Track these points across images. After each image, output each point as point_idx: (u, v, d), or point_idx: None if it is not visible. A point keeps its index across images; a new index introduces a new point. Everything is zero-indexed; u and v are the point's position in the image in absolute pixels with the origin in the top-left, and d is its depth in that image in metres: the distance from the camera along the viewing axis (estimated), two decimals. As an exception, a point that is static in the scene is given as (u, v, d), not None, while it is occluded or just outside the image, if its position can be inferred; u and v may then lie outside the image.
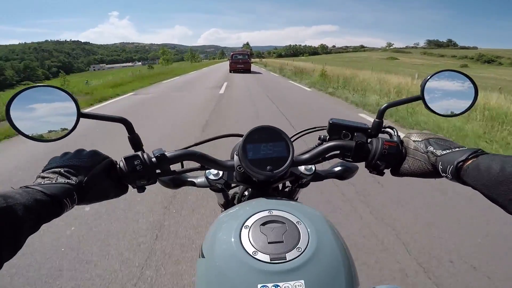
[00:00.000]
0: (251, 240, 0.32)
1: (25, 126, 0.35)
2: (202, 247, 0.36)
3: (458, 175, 0.33)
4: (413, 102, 0.44)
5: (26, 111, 0.36)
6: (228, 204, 0.57)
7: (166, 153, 0.42)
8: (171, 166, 0.43)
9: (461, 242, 1.31)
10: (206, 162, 0.44)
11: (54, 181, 0.31)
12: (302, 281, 0.28)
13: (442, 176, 0.36)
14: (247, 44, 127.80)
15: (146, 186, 0.41)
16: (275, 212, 0.35)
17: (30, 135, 0.36)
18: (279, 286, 0.28)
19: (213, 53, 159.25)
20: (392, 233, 1.38)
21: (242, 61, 15.60)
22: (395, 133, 0.45)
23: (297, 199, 0.57)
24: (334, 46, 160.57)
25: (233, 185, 0.54)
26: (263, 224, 0.34)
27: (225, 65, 23.58)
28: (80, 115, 0.37)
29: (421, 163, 0.39)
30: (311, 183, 0.53)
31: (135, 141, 0.42)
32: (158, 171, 0.42)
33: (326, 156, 0.46)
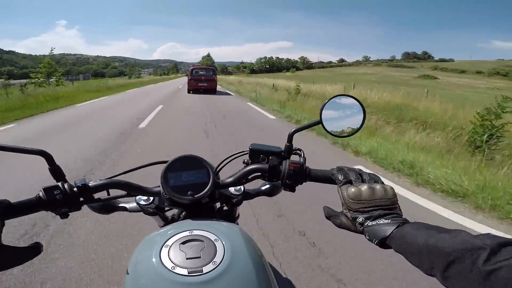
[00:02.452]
0: (170, 257, 0.40)
1: None
2: (128, 266, 0.44)
3: (382, 246, 0.42)
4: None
5: None
6: (152, 232, 0.67)
7: (89, 183, 0.50)
8: (97, 193, 0.52)
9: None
10: (133, 189, 0.55)
11: None
12: None
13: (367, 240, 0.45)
14: (208, 55, 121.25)
15: (69, 213, 0.49)
16: (195, 232, 0.45)
17: None
18: None
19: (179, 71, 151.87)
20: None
21: (205, 78, 13.88)
22: (302, 154, 0.59)
23: (238, 216, 0.71)
24: (320, 61, 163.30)
25: (166, 208, 0.62)
26: (183, 243, 0.43)
27: (172, 84, 22.71)
28: None
29: (350, 226, 0.47)
30: (246, 201, 0.66)
31: (56, 172, 0.50)
32: (81, 199, 0.50)
33: (249, 177, 0.58)
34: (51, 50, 17.59)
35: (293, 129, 0.58)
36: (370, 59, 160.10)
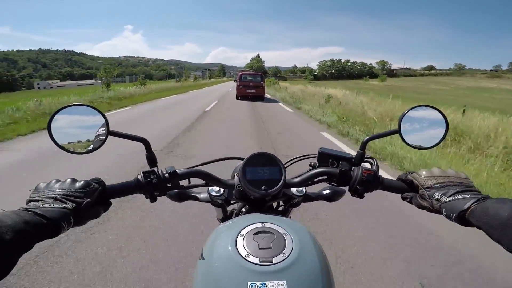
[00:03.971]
0: (245, 246, 0.46)
1: (62, 139, 0.54)
2: (203, 251, 0.51)
3: (460, 221, 0.45)
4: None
5: (65, 127, 0.54)
6: (226, 218, 0.77)
7: (177, 170, 0.60)
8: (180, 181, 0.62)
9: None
10: (211, 180, 0.64)
11: (51, 205, 0.42)
12: (285, 281, 0.41)
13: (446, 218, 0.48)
14: (258, 56, 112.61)
15: (157, 197, 0.58)
16: (266, 225, 0.51)
17: (64, 147, 0.54)
18: (265, 284, 0.41)
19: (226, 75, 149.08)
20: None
21: (253, 84, 14.61)
22: (375, 163, 0.63)
23: (290, 217, 0.74)
24: (406, 68, 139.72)
25: (232, 201, 0.74)
26: (256, 233, 0.49)
27: (218, 89, 24.13)
28: (109, 133, 0.55)
29: (427, 205, 0.52)
30: (302, 203, 0.74)
31: (152, 158, 0.60)
32: (169, 185, 0.59)
33: (315, 180, 0.65)
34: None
35: (367, 137, 0.64)
36: (465, 67, 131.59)
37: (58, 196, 0.44)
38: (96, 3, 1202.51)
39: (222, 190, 0.72)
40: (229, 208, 0.79)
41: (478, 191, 0.49)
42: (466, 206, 0.44)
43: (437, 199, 0.50)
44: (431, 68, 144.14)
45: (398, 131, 0.61)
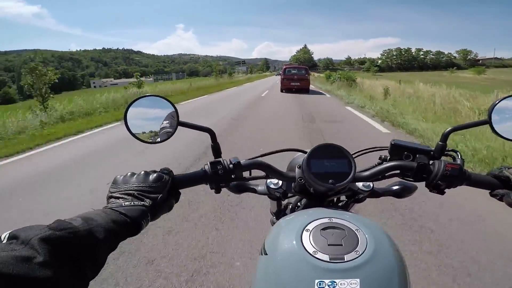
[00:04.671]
0: (311, 242, 0.44)
1: (136, 129, 0.59)
2: (265, 246, 0.49)
3: None
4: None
5: (138, 117, 0.59)
6: (280, 212, 0.78)
7: (240, 161, 0.60)
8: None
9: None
10: (271, 172, 0.63)
11: (132, 203, 0.44)
12: (358, 280, 0.38)
13: None
14: (305, 47, 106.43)
15: (221, 188, 0.60)
16: (335, 220, 0.48)
17: (139, 137, 0.59)
18: (335, 282, 0.38)
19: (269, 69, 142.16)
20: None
21: (297, 77, 15.22)
22: (459, 156, 0.60)
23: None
24: (496, 58, 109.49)
25: (289, 195, 0.73)
26: (324, 229, 0.46)
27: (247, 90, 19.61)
28: (179, 123, 0.59)
29: None
30: (367, 199, 0.70)
31: (217, 149, 0.62)
32: (232, 176, 0.60)
33: (386, 174, 0.62)
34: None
35: (449, 128, 0.61)
36: None
37: (135, 193, 0.47)
38: (152, 3, 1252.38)
39: (280, 183, 0.70)
40: (285, 202, 0.79)
41: None
42: None
43: None
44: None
45: (488, 122, 0.58)
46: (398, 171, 0.61)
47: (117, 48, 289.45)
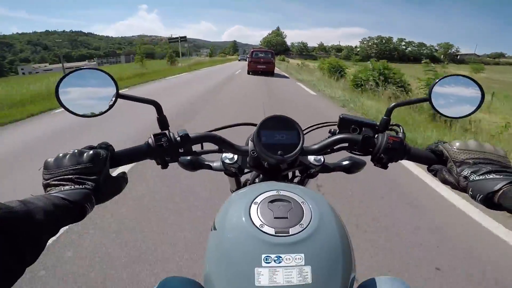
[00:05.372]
0: (259, 215, 0.46)
1: (70, 103, 0.56)
2: (215, 221, 0.51)
3: (487, 203, 0.45)
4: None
5: (72, 90, 0.56)
6: (239, 189, 0.77)
7: (189, 134, 0.59)
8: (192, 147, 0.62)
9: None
10: (224, 145, 0.64)
11: (72, 187, 0.43)
12: (302, 255, 0.41)
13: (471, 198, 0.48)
14: (278, 29, 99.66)
15: (168, 164, 0.59)
16: (282, 192, 0.50)
17: (73, 110, 0.55)
18: (281, 257, 0.40)
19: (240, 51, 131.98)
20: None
21: (264, 60, 16.36)
22: (401, 130, 0.64)
23: None
24: (474, 54, 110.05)
25: (246, 170, 0.75)
26: (271, 201, 0.48)
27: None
28: (118, 96, 0.56)
29: (453, 181, 0.52)
30: (319, 174, 0.74)
31: (163, 121, 0.61)
32: (181, 150, 0.59)
33: (334, 147, 0.66)
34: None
35: (393, 104, 0.63)
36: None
37: (73, 177, 0.45)
38: None
39: (236, 157, 0.71)
40: (243, 178, 0.81)
41: None
42: (496, 188, 0.43)
43: (465, 177, 0.48)
44: (499, 55, 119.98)
45: (428, 99, 0.61)
46: (345, 144, 0.65)
47: (64, 30, 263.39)
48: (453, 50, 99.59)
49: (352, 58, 72.19)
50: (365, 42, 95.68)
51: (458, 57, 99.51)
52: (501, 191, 0.43)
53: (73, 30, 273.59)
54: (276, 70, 17.38)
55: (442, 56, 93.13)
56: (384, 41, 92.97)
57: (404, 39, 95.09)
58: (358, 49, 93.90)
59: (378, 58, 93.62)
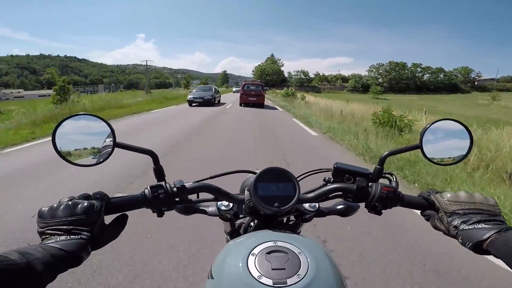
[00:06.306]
0: (256, 266, 0.48)
1: (67, 150, 0.57)
2: (212, 270, 0.53)
3: (476, 250, 0.49)
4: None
5: (70, 137, 0.57)
6: (234, 232, 0.83)
7: (185, 184, 0.63)
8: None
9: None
10: (220, 194, 0.67)
11: (68, 237, 0.46)
12: None
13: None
14: (272, 56, 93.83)
15: (164, 212, 0.61)
16: (279, 243, 0.53)
17: (70, 159, 0.57)
18: None
19: (229, 83, 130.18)
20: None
21: (254, 93, 18.41)
22: (394, 179, 0.67)
23: (299, 232, 0.79)
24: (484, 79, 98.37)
25: (241, 216, 0.79)
26: (268, 253, 0.50)
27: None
28: (115, 145, 0.59)
29: (443, 229, 0.56)
30: (314, 218, 0.78)
31: (159, 172, 0.64)
32: (177, 199, 0.63)
33: (329, 196, 0.69)
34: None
35: (386, 153, 0.67)
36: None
37: (69, 228, 0.47)
38: (112, 11, 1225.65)
39: (231, 204, 0.75)
40: (238, 221, 0.83)
41: (502, 221, 0.51)
42: (485, 237, 0.47)
43: (455, 226, 0.53)
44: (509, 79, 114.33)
45: (419, 146, 0.64)
46: (340, 193, 0.68)
47: (58, 55, 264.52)
48: (472, 76, 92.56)
49: (372, 89, 65.03)
50: (373, 70, 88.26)
51: (476, 83, 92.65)
52: (489, 240, 0.47)
53: (67, 56, 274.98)
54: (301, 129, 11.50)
55: (462, 84, 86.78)
56: (396, 68, 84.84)
57: (421, 64, 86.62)
58: (367, 79, 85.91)
59: (392, 89, 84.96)
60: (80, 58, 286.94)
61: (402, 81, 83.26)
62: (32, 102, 16.86)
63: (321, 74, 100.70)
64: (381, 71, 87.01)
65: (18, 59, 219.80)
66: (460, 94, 76.65)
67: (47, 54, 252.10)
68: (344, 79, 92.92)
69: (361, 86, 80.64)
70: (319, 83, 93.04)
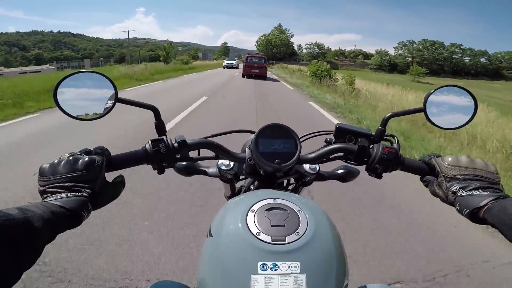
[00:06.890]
0: (256, 223, 0.48)
1: (69, 106, 0.58)
2: (211, 228, 0.54)
3: (472, 218, 0.49)
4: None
5: (71, 93, 0.59)
6: (234, 195, 0.84)
7: (187, 140, 0.62)
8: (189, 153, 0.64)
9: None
10: (221, 152, 0.67)
11: (69, 194, 0.46)
12: (298, 263, 0.43)
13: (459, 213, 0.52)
14: (279, 26, 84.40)
15: (165, 169, 0.61)
16: (279, 201, 0.53)
17: (72, 114, 0.58)
18: (277, 265, 0.43)
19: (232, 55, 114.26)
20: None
21: (257, 65, 19.04)
22: (396, 141, 0.68)
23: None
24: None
25: (241, 177, 0.79)
26: (268, 209, 0.51)
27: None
28: (117, 100, 0.59)
29: (442, 195, 0.56)
30: (314, 183, 0.78)
31: (161, 127, 0.63)
32: (178, 156, 0.62)
33: (330, 157, 0.69)
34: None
35: (389, 114, 0.66)
36: None
37: (69, 185, 0.47)
38: None
39: (232, 164, 0.75)
40: (238, 185, 0.84)
41: (500, 189, 0.51)
42: (482, 204, 0.47)
43: (453, 192, 0.52)
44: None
45: (423, 110, 0.65)
46: (341, 154, 0.68)
47: (51, 31, 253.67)
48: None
49: (411, 70, 55.10)
50: (403, 47, 77.07)
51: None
52: (486, 206, 0.47)
53: (61, 31, 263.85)
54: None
55: (504, 70, 74.71)
56: (429, 47, 72.98)
57: (461, 44, 73.84)
58: (393, 57, 76.02)
59: (434, 71, 70.34)
60: (75, 33, 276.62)
61: (437, 61, 72.67)
62: (7, 80, 15.74)
63: (338, 48, 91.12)
64: (410, 49, 75.96)
65: (7, 36, 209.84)
66: (504, 81, 66.98)
67: (39, 31, 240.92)
68: (366, 56, 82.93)
69: (388, 64, 71.15)
70: (336, 58, 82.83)
